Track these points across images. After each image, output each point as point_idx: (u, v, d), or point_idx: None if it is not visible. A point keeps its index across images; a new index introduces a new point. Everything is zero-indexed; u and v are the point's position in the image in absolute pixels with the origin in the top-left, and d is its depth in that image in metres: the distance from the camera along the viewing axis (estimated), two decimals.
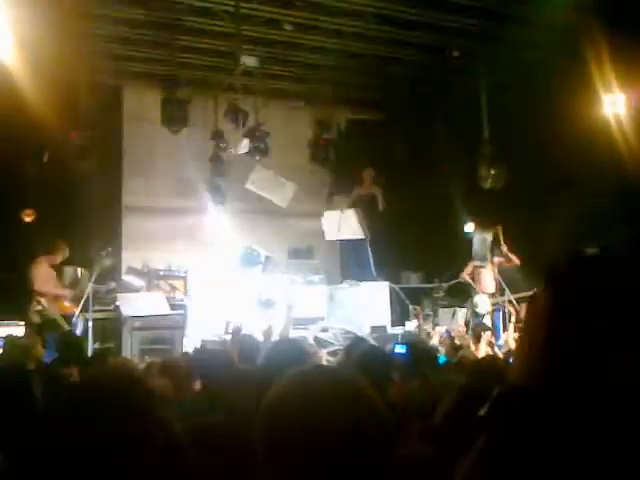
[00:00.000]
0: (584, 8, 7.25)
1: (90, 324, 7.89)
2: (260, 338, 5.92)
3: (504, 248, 9.36)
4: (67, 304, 8.15)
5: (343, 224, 9.79)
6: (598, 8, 7.13)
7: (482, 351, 6.55)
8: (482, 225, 9.64)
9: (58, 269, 8.47)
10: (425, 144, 10.81)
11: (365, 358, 3.52)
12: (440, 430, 2.23)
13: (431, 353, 3.90)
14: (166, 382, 3.69)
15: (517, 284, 8.98)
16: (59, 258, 8.28)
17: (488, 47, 8.99)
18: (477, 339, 7.26)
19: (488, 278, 9.42)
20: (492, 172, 9.30)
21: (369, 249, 9.97)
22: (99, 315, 8.28)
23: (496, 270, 9.41)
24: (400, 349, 3.76)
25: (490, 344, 6.97)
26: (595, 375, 0.70)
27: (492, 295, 9.32)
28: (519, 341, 0.77)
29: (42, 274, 8.04)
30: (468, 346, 7.06)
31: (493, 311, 9.15)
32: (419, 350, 3.77)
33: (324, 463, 1.08)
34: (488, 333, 7.08)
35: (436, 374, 3.69)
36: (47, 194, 9.04)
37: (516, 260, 9.25)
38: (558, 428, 0.67)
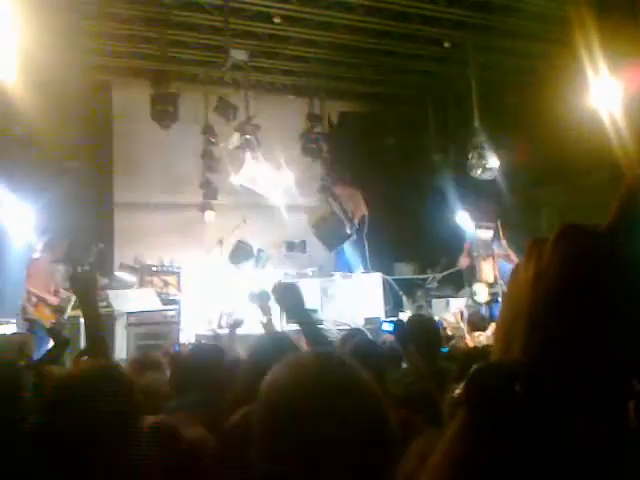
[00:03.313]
0: None
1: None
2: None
3: (503, 242, 9.33)
4: (48, 312, 8.02)
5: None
6: None
7: (485, 340, 6.53)
8: (479, 219, 9.59)
9: (55, 267, 8.41)
10: (417, 134, 10.80)
11: (358, 349, 3.51)
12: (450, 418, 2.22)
13: (434, 341, 3.86)
14: (159, 377, 3.67)
15: None
16: (57, 255, 8.22)
17: (480, 38, 8.96)
18: (471, 329, 7.26)
19: (488, 269, 9.38)
20: (483, 162, 9.28)
21: (365, 242, 9.98)
22: None
23: (497, 263, 9.36)
24: (388, 326, 3.71)
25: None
26: (575, 351, 0.69)
27: (491, 285, 9.27)
28: (500, 317, 0.76)
29: (34, 273, 7.99)
30: (461, 336, 7.06)
31: (491, 301, 9.12)
32: (420, 335, 3.73)
33: (323, 454, 1.06)
34: (494, 324, 7.05)
35: (431, 364, 3.67)
36: (38, 192, 8.97)
37: (514, 258, 9.18)
38: (534, 405, 0.66)
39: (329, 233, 9.76)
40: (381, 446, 1.10)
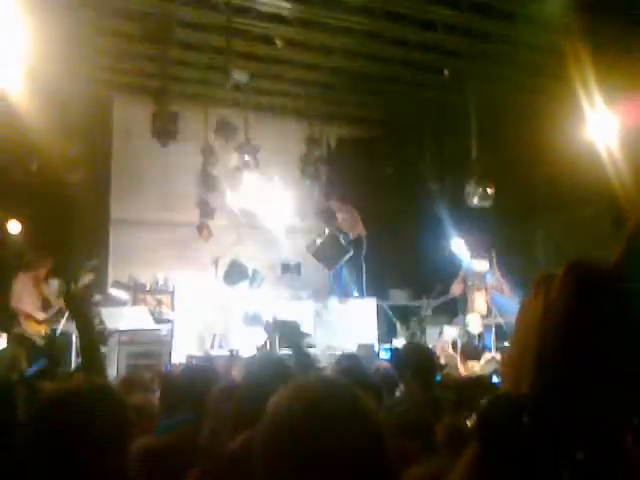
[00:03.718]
0: (570, 30, 7.35)
1: (74, 338, 7.80)
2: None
3: (497, 275, 9.34)
4: (39, 323, 7.96)
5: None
6: (584, 30, 7.23)
7: (479, 369, 6.53)
8: (474, 248, 9.61)
9: (44, 282, 8.37)
10: (414, 161, 10.87)
11: (349, 374, 3.50)
12: (444, 446, 2.22)
13: (429, 369, 3.85)
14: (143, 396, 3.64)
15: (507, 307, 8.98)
16: (42, 272, 8.19)
17: (478, 67, 9.07)
18: (465, 358, 7.24)
19: (481, 300, 9.38)
20: (480, 190, 9.34)
21: (363, 264, 9.97)
22: None
23: (489, 293, 9.37)
24: (385, 354, 3.73)
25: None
26: (581, 386, 0.69)
27: (484, 316, 9.26)
28: (509, 352, 0.76)
29: (19, 290, 7.96)
30: (454, 365, 7.05)
31: (484, 332, 9.10)
32: (415, 362, 3.72)
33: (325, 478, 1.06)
34: (487, 354, 7.06)
35: (426, 391, 3.65)
36: (35, 204, 8.98)
37: (507, 290, 9.18)
38: (544, 439, 0.66)
39: (326, 251, 9.76)
40: (381, 472, 1.11)
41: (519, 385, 0.71)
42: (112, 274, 9.93)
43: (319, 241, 9.73)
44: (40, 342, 7.74)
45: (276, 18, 8.27)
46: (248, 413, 2.41)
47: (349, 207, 10.56)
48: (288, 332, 2.77)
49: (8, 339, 7.71)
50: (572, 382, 0.69)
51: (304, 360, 2.58)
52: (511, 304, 8.78)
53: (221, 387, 3.73)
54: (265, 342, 6.45)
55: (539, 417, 0.67)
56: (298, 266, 10.56)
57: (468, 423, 0.63)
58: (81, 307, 3.22)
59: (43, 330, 7.98)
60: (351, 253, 9.76)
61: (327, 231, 9.88)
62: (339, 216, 10.49)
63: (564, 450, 0.68)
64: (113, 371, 7.36)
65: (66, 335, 7.75)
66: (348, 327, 9.19)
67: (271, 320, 2.86)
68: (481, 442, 0.68)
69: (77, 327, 3.32)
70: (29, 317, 8.00)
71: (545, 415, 0.67)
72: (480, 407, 0.69)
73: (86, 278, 7.81)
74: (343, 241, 9.74)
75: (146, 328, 8.17)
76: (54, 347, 7.59)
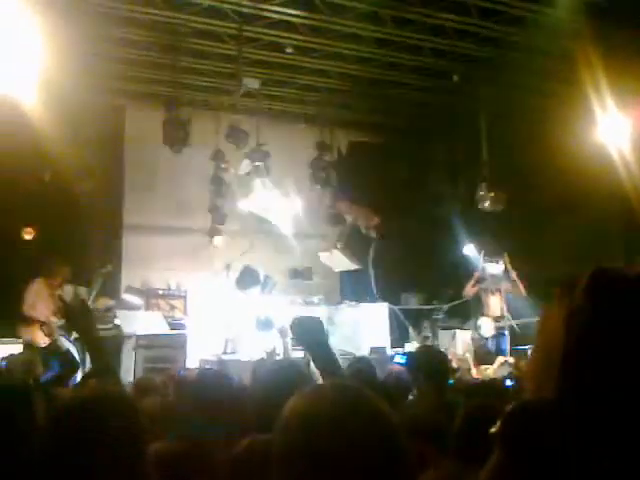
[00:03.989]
0: (581, 34, 7.35)
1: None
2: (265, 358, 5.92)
3: (513, 274, 9.31)
4: (42, 334, 7.98)
5: (336, 261, 10.22)
6: (594, 34, 7.22)
7: (492, 373, 6.51)
8: (486, 251, 9.59)
9: (60, 289, 8.40)
10: (425, 166, 10.87)
11: (359, 376, 3.52)
12: (461, 450, 2.23)
13: (442, 372, 3.86)
14: (155, 400, 3.66)
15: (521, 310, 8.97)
16: (58, 280, 8.21)
17: (488, 72, 9.07)
18: (478, 362, 7.22)
19: (494, 302, 9.35)
20: (491, 194, 9.33)
21: (371, 271, 10.00)
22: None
23: (503, 295, 9.34)
24: (400, 359, 3.74)
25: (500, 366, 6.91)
26: (608, 392, 0.71)
27: (497, 319, 9.23)
28: (532, 357, 0.78)
29: (33, 297, 7.97)
30: (467, 369, 7.03)
31: (498, 335, 9.07)
32: (429, 367, 3.73)
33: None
34: (500, 357, 7.04)
35: (440, 395, 3.66)
36: (48, 212, 9.05)
37: (522, 290, 9.15)
38: (569, 445, 0.67)
39: (354, 244, 9.86)
40: (392, 472, 1.12)
41: (540, 389, 0.72)
42: (125, 279, 9.99)
43: (339, 244, 9.82)
44: (54, 349, 7.77)
45: (286, 25, 8.33)
46: (259, 419, 2.44)
47: (356, 207, 10.61)
48: (308, 333, 2.49)
49: (23, 345, 7.76)
50: (596, 387, 0.70)
51: (330, 367, 2.43)
52: (526, 307, 8.76)
53: (234, 393, 3.76)
54: (275, 347, 6.46)
55: (564, 423, 0.68)
56: (309, 271, 10.59)
57: (493, 429, 0.64)
58: (80, 320, 3.21)
59: (54, 337, 7.99)
60: (376, 241, 9.84)
61: (348, 223, 10.00)
62: (348, 217, 10.55)
63: (589, 455, 0.69)
64: (130, 374, 7.40)
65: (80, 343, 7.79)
66: (360, 332, 9.19)
67: (289, 322, 2.53)
68: (507, 448, 0.70)
69: (81, 339, 3.33)
70: (41, 324, 8.02)
71: (569, 421, 0.69)
72: (506, 414, 0.70)
73: (94, 290, 7.84)
74: (364, 230, 9.85)
75: (164, 332, 8.24)
76: (69, 354, 7.62)
